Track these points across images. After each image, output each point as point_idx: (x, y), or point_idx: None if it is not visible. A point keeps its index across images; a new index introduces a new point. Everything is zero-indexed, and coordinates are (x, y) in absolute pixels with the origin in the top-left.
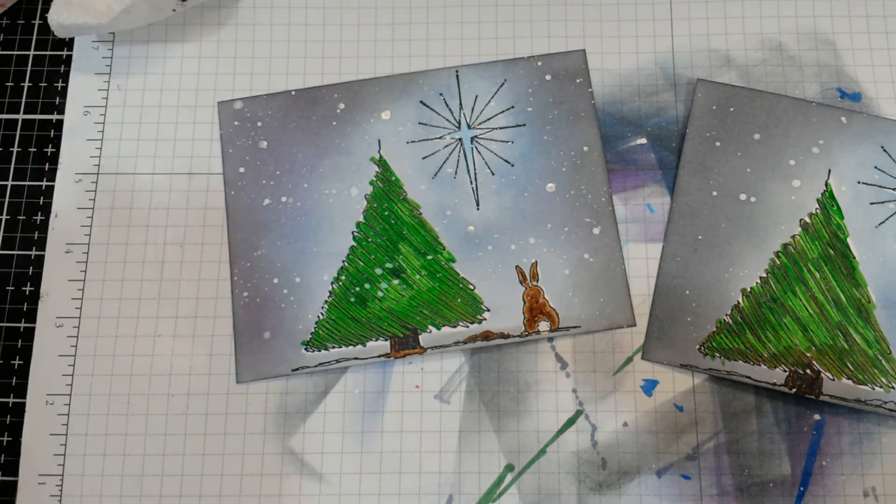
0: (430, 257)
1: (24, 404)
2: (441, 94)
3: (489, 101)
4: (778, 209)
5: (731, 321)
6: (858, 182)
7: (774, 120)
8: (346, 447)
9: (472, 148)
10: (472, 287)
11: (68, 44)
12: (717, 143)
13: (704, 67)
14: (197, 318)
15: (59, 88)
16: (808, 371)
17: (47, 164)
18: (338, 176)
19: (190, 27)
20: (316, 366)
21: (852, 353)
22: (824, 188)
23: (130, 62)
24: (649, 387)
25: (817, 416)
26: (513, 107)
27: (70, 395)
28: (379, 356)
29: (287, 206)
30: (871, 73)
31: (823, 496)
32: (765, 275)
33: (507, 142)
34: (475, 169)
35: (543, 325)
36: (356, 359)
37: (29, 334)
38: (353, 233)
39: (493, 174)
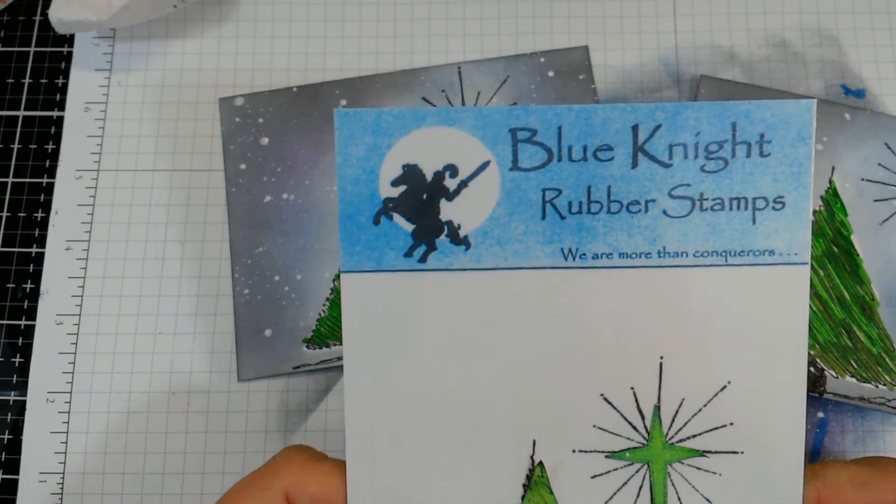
0: None
1: (24, 402)
2: (443, 91)
3: (492, 98)
4: None
5: None
6: (862, 179)
7: None
8: None
9: None
10: None
11: (69, 40)
12: None
13: (708, 64)
14: (198, 315)
15: (60, 85)
16: (812, 369)
17: (48, 160)
18: None
19: (191, 23)
20: (317, 363)
21: (856, 350)
22: (828, 185)
23: (131, 58)
24: None
25: (821, 414)
26: (515, 102)
27: (71, 392)
28: None
29: (288, 203)
30: (876, 70)
31: None
32: None
33: None
34: None
35: None
36: None
37: (29, 332)
38: None
39: None
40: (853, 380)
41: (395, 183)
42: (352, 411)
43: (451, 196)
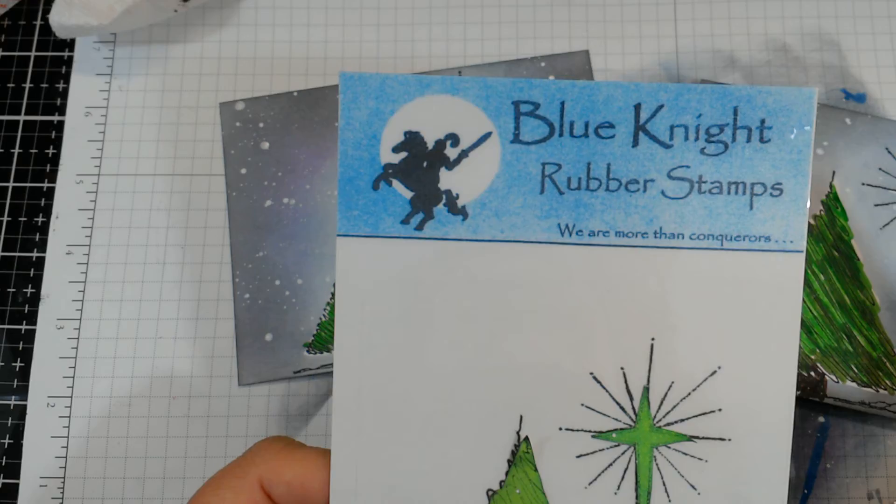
0: None
1: (25, 406)
2: None
3: None
4: None
5: None
6: (863, 184)
7: None
8: None
9: None
10: None
11: (69, 45)
12: None
13: (708, 68)
14: (198, 319)
15: (61, 90)
16: (813, 373)
17: (48, 165)
18: None
19: (192, 28)
20: (318, 368)
21: (857, 355)
22: (829, 190)
23: (132, 63)
24: None
25: (822, 419)
26: None
27: (71, 397)
28: None
29: (289, 208)
30: (876, 75)
31: (827, 499)
32: None
33: None
34: None
35: None
36: None
37: (30, 336)
38: None
39: None
40: (854, 384)
41: (396, 149)
42: (340, 379)
43: (451, 165)
